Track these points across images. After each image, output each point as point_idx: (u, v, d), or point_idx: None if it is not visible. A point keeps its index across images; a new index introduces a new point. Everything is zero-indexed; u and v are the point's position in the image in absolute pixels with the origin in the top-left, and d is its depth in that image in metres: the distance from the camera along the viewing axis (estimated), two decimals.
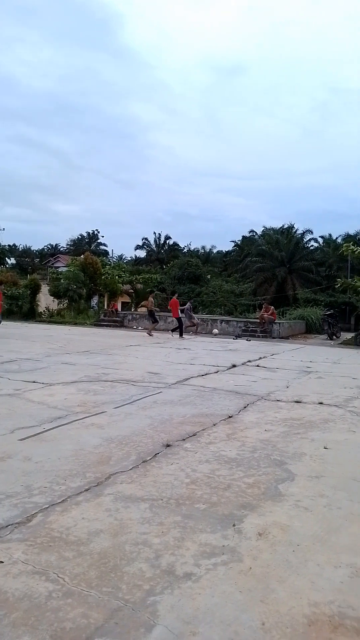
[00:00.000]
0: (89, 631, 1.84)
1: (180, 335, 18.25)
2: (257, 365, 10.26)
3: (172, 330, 19.28)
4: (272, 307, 21.83)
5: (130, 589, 2.12)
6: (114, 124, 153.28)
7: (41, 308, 27.88)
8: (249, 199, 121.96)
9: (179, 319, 18.55)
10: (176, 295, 20.52)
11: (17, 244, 73.20)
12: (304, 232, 45.33)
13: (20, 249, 73.73)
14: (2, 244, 52.55)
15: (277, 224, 48.90)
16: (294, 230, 45.62)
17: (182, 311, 19.20)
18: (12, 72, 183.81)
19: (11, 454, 3.86)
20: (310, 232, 45.45)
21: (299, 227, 46.26)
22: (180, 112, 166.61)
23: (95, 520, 2.77)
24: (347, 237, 42.07)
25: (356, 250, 20.50)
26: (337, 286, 23.29)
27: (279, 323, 21.14)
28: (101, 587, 2.12)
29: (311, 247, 46.51)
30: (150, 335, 18.29)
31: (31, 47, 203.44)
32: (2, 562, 2.30)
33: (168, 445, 4.26)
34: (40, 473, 3.48)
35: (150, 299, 19.43)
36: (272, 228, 47.55)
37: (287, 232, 45.64)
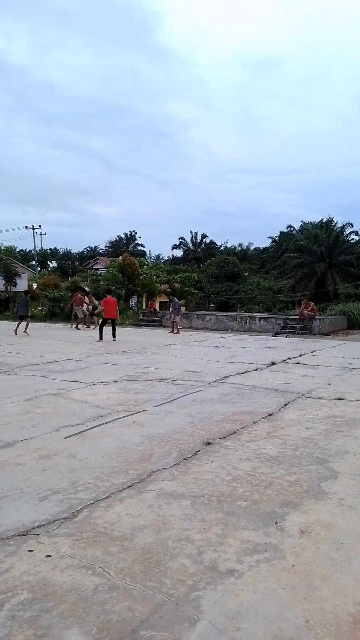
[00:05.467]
0: (134, 624, 1.89)
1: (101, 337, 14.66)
2: (297, 363, 10.12)
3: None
4: (312, 303, 21.36)
5: (174, 584, 2.16)
6: (153, 123, 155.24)
7: None
8: (287, 193, 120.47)
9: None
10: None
11: (58, 248, 75.26)
12: (343, 226, 44.16)
13: (61, 252, 75.61)
14: (44, 248, 54.19)
15: (315, 218, 47.95)
16: (333, 224, 44.52)
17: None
18: (53, 76, 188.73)
19: (57, 452, 3.99)
20: (351, 225, 44.19)
21: (339, 221, 45.23)
22: (217, 108, 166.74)
23: (138, 516, 2.83)
24: None
25: None
26: None
27: (319, 319, 20.70)
28: (145, 582, 2.17)
29: (352, 241, 45.21)
30: (78, 329, 20.16)
31: (72, 51, 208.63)
32: (50, 555, 2.38)
33: (208, 443, 4.28)
34: (85, 470, 3.57)
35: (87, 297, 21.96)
36: (311, 222, 46.56)
37: (326, 226, 44.58)
